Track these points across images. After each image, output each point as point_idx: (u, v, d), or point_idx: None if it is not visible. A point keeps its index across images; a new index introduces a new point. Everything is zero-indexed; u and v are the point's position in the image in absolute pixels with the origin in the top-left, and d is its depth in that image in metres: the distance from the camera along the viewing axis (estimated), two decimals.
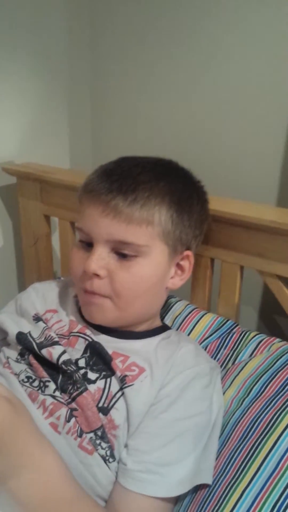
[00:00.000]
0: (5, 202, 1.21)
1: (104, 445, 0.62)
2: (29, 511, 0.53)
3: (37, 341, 0.71)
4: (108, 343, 0.70)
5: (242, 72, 1.03)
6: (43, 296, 0.82)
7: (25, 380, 0.68)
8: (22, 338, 0.72)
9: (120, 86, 1.27)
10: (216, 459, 0.63)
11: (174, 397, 0.64)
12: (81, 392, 0.64)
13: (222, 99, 1.08)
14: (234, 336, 0.81)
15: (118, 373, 0.66)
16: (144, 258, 0.68)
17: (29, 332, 0.73)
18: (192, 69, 1.11)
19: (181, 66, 1.12)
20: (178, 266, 0.75)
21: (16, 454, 0.51)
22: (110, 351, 0.69)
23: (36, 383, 0.67)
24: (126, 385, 0.65)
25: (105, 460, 0.61)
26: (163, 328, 0.79)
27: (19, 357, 0.72)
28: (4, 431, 0.50)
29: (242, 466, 0.61)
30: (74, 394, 0.64)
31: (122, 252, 0.68)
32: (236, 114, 1.06)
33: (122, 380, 0.66)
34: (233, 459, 0.62)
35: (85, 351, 0.70)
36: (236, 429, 0.65)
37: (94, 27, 1.27)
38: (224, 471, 0.62)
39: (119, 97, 1.28)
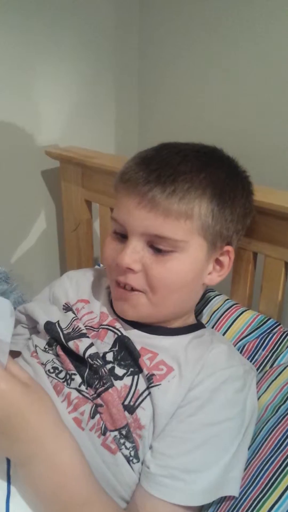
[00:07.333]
0: (49, 186, 1.21)
1: (128, 445, 0.60)
2: (40, 500, 0.54)
3: (65, 332, 0.70)
4: (138, 338, 0.68)
5: None
6: (76, 283, 0.81)
7: (51, 370, 0.67)
8: (50, 328, 0.72)
9: (169, 71, 1.23)
10: (245, 469, 0.60)
11: (204, 400, 0.61)
12: (107, 388, 0.62)
13: (270, 86, 1.02)
14: (275, 336, 0.77)
15: (146, 371, 0.64)
16: (181, 253, 0.65)
17: (58, 322, 0.72)
18: (244, 55, 1.05)
19: (232, 51, 1.07)
20: (217, 261, 0.71)
21: (26, 441, 0.51)
22: (138, 347, 0.67)
23: (62, 375, 0.66)
24: (152, 385, 0.63)
25: (128, 461, 0.60)
26: (197, 326, 0.75)
27: (47, 346, 0.71)
28: (13, 414, 0.49)
29: (273, 480, 0.57)
30: (100, 389, 0.63)
31: (158, 246, 0.65)
32: (283, 100, 1.00)
33: (149, 379, 0.63)
34: (263, 471, 0.59)
35: (113, 345, 0.68)
36: (269, 438, 0.62)
37: (143, 9, 1.24)
38: (253, 483, 0.58)
39: (167, 81, 1.25)
